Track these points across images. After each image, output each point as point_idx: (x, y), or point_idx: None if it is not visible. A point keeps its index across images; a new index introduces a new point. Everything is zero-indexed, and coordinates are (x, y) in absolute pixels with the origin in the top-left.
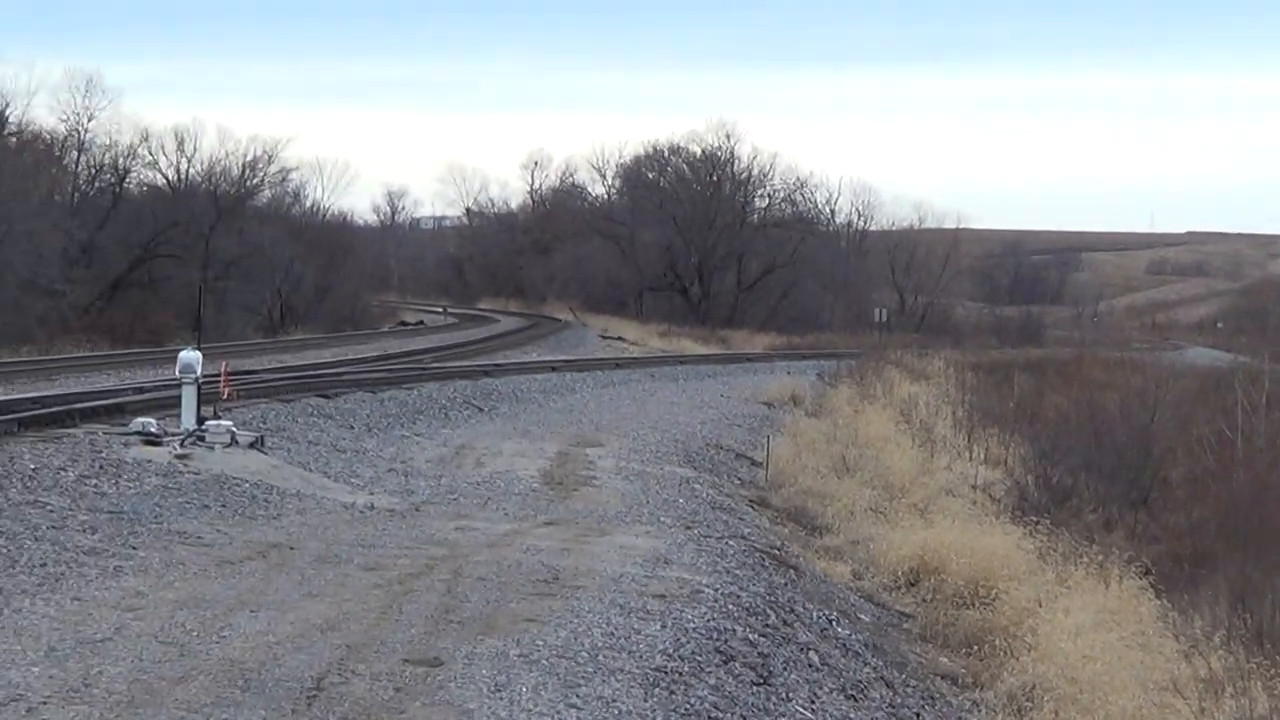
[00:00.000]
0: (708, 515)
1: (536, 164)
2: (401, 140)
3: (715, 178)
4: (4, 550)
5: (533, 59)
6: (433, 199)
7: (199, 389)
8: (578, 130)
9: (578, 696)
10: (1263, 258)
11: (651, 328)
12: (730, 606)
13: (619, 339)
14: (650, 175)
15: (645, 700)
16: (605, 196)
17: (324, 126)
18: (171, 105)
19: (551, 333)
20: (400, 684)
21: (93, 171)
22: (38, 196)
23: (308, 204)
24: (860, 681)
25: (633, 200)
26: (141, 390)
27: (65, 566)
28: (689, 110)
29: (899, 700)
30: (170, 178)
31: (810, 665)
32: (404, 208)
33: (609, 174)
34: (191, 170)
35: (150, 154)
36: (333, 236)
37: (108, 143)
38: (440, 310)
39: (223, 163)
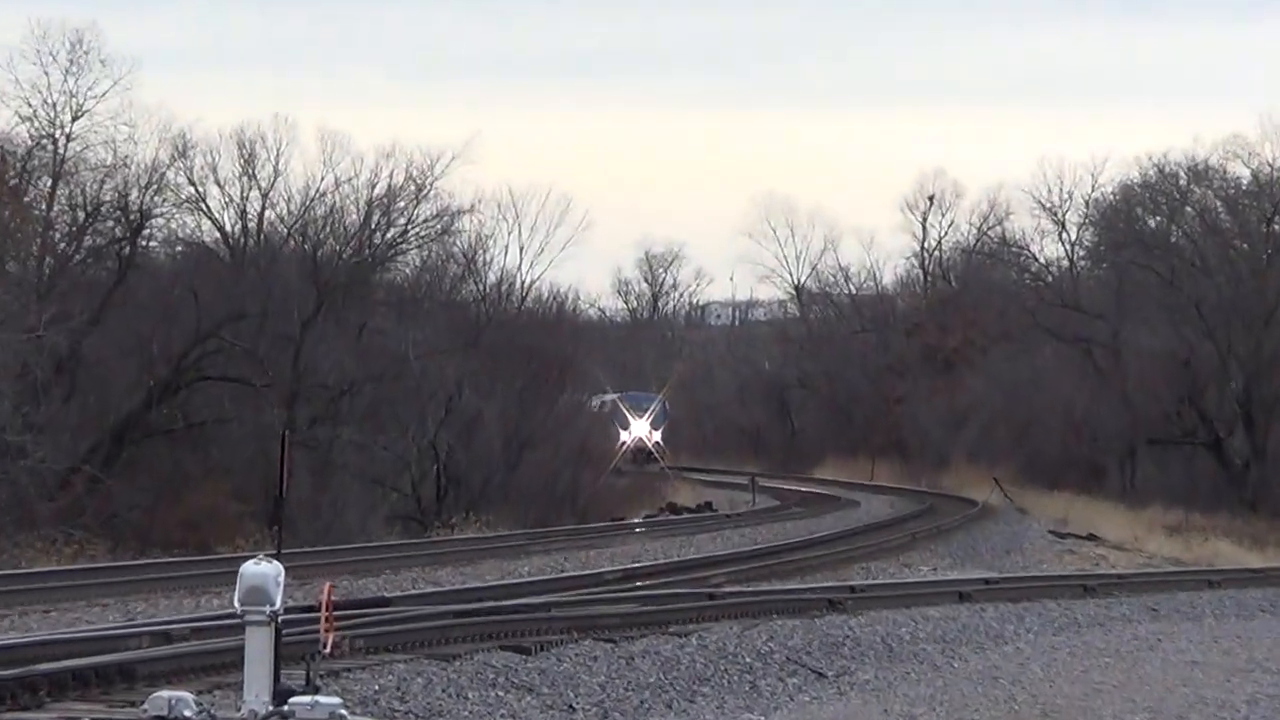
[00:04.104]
0: None
1: (931, 202)
2: (669, 154)
3: (1278, 227)
4: None
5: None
6: (729, 269)
7: (278, 633)
8: (1007, 142)
9: None
10: None
11: (1152, 515)
12: None
13: (1088, 537)
14: (1151, 223)
15: None
16: (1065, 264)
17: (521, 131)
18: (229, 90)
19: (958, 526)
20: None
21: (81, 217)
22: None
23: (490, 279)
24: None
25: (1117, 272)
26: (167, 637)
27: None
28: (1221, 99)
29: None
30: (228, 229)
31: None
32: (674, 284)
33: (1069, 220)
34: (269, 215)
35: (191, 183)
36: (538, 341)
37: (109, 163)
38: (745, 481)
39: (329, 200)
